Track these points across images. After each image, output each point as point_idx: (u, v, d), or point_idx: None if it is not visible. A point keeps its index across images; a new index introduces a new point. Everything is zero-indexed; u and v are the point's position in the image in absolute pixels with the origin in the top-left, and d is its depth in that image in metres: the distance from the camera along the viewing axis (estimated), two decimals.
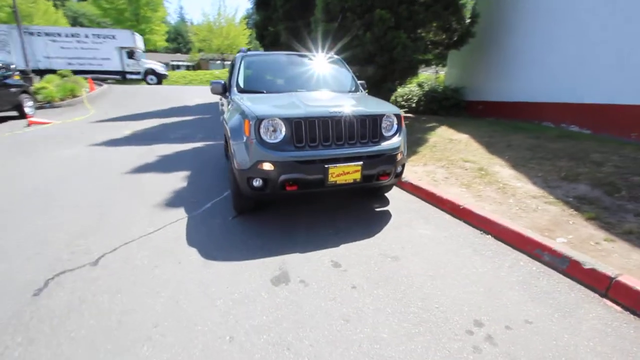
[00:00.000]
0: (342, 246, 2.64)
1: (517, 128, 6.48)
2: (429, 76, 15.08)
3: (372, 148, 2.82)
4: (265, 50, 14.99)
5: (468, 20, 7.46)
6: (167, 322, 1.82)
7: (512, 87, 7.73)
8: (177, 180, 4.39)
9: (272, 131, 2.65)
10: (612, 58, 5.31)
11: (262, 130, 2.63)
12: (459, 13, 7.37)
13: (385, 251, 2.57)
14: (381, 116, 2.87)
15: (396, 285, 2.14)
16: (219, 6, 36.53)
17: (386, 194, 3.75)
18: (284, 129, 2.64)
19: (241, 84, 3.54)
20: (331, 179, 2.67)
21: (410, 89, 10.74)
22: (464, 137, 5.85)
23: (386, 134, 2.93)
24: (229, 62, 43.73)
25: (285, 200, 3.54)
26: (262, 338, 1.70)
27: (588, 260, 2.13)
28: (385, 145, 2.88)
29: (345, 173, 2.70)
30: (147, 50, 30.00)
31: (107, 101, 13.87)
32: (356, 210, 3.35)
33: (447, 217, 3.20)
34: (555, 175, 3.85)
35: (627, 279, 1.93)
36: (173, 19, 60.61)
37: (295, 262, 2.40)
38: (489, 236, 2.78)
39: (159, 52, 41.97)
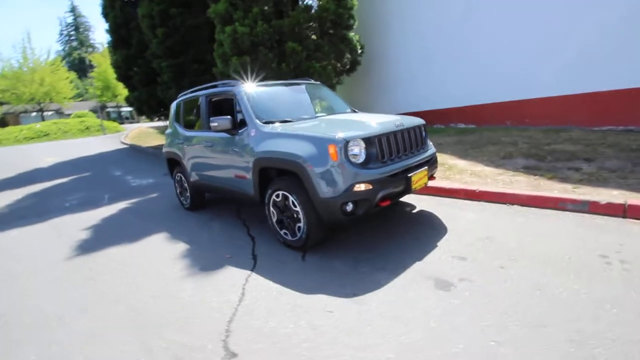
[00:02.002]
0: (450, 246, 2.83)
1: None
2: None
3: (426, 153, 3.16)
4: (132, 92, 13.25)
5: (360, 51, 8.77)
6: None
7: (398, 99, 9.46)
8: (183, 245, 3.57)
9: (355, 152, 2.64)
10: (476, 70, 7.35)
11: (349, 153, 2.59)
12: (351, 45, 8.59)
13: (479, 236, 2.87)
14: (422, 126, 3.25)
15: (522, 259, 2.50)
16: (24, 47, 29.64)
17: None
18: (363, 149, 2.67)
19: (262, 116, 3.27)
20: (413, 186, 2.85)
21: None
22: None
23: (426, 141, 3.33)
24: (53, 112, 35.60)
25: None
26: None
27: (600, 199, 3.05)
28: (430, 149, 3.27)
29: (419, 179, 2.93)
30: None
31: None
32: (397, 220, 3.56)
33: (468, 202, 3.81)
34: (496, 157, 5.08)
35: (633, 202, 2.88)
36: None
37: (421, 273, 2.46)
38: (515, 205, 3.50)
39: None
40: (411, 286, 2.26)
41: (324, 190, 2.59)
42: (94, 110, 34.95)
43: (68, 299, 2.65)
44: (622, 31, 4.89)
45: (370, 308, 2.08)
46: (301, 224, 2.83)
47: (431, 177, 3.27)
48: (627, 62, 4.88)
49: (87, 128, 27.19)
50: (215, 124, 3.29)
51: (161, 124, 24.43)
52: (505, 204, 3.58)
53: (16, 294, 2.84)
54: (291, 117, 3.47)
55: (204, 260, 3.08)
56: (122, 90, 34.75)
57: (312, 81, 4.22)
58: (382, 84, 9.86)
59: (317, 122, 3.26)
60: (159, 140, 15.67)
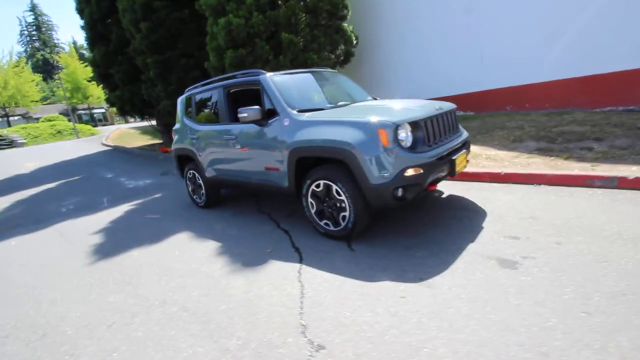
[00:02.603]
0: (490, 231, 2.85)
1: None
2: None
3: (462, 136, 3.17)
4: (113, 91, 12.64)
5: (355, 42, 8.71)
6: None
7: (393, 89, 9.49)
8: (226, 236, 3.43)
9: (402, 137, 2.60)
10: (474, 58, 7.45)
11: (399, 137, 2.55)
12: (346, 36, 8.52)
13: (522, 216, 2.90)
14: (454, 109, 3.25)
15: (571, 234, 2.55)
16: None
17: None
18: (410, 132, 2.64)
19: (293, 104, 3.17)
20: (457, 169, 2.85)
21: None
22: None
23: (458, 125, 3.33)
24: (19, 117, 33.69)
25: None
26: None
27: (628, 174, 3.16)
28: (464, 133, 3.28)
29: (461, 162, 2.94)
30: None
31: None
32: (430, 206, 3.56)
33: (494, 184, 3.86)
34: (506, 141, 5.18)
35: None
36: None
37: (472, 257, 2.47)
38: (542, 185, 3.58)
39: None
40: (475, 267, 2.26)
41: (375, 176, 2.54)
42: (64, 114, 33.20)
43: (109, 306, 2.48)
44: (620, 15, 5.08)
45: (443, 291, 2.06)
46: (346, 213, 2.77)
47: (466, 160, 3.28)
48: (626, 45, 5.09)
49: (58, 132, 25.85)
50: (245, 114, 3.16)
51: (141, 124, 23.52)
52: (532, 184, 3.66)
53: (46, 305, 2.64)
54: (320, 104, 3.39)
55: (244, 256, 2.97)
56: (94, 91, 33.25)
57: (330, 69, 4.14)
58: (377, 74, 9.85)
59: (353, 108, 3.18)
60: (142, 140, 15.11)
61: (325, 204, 2.94)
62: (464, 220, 3.02)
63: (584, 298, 1.81)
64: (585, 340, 1.54)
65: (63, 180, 8.31)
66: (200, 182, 4.45)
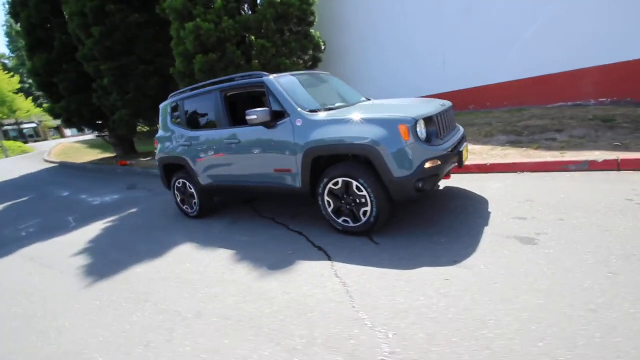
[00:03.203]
0: (495, 219, 3.10)
1: None
2: None
3: (461, 130, 3.42)
4: (57, 102, 11.53)
5: (323, 47, 8.89)
6: None
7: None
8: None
9: (420, 131, 2.76)
10: (437, 62, 8.02)
11: (418, 132, 2.70)
12: (314, 42, 8.67)
13: (519, 200, 3.19)
14: (452, 106, 3.51)
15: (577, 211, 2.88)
16: None
17: None
18: (424, 127, 2.81)
19: (304, 105, 3.19)
20: (463, 160, 3.08)
21: None
22: None
23: None
24: None
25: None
26: None
27: (596, 158, 3.65)
28: (461, 127, 3.54)
29: (465, 154, 3.18)
30: None
31: None
32: (432, 199, 3.77)
33: (482, 175, 4.20)
34: (479, 136, 5.65)
35: (624, 157, 3.51)
36: None
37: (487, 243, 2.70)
38: (525, 173, 3.98)
39: None
40: (500, 247, 2.46)
41: (398, 170, 2.66)
42: None
43: (134, 325, 2.30)
44: (566, 23, 5.85)
45: (481, 270, 2.22)
46: (368, 208, 2.85)
47: None
48: (571, 49, 5.85)
49: None
50: (254, 116, 3.12)
51: (85, 137, 21.52)
52: (515, 172, 4.05)
53: (55, 335, 2.36)
54: (325, 105, 3.44)
55: (266, 260, 2.91)
56: (23, 104, 29.78)
57: (323, 72, 4.22)
58: (344, 79, 10.10)
59: (364, 107, 3.27)
60: (92, 155, 13.91)
61: (343, 202, 3.00)
62: (469, 208, 3.26)
63: (604, 262, 2.07)
64: (620, 295, 1.78)
65: (10, 202, 7.37)
66: (193, 190, 4.25)
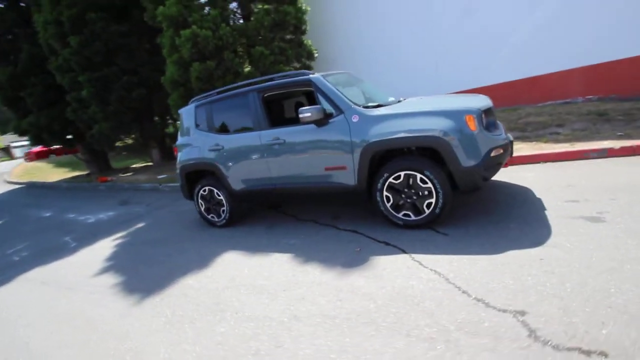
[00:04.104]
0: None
1: None
2: None
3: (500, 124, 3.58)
4: (24, 118, 10.60)
5: (316, 55, 8.97)
6: None
7: None
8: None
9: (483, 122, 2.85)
10: (430, 66, 8.37)
11: (482, 122, 2.79)
12: (307, 50, 8.73)
13: (560, 185, 3.37)
14: None
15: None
16: None
17: None
18: (485, 119, 2.91)
19: (357, 102, 3.18)
20: (513, 150, 3.22)
21: None
22: None
23: None
24: None
25: None
26: None
27: (613, 146, 3.97)
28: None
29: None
30: None
31: None
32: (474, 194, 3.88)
33: (509, 167, 4.34)
34: None
35: (638, 143, 3.85)
36: None
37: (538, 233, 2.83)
38: (548, 163, 4.22)
39: None
40: (572, 227, 2.57)
41: (467, 159, 2.71)
42: None
43: (225, 337, 2.11)
44: (553, 27, 6.39)
45: (566, 248, 2.30)
46: (432, 200, 2.88)
47: None
48: (558, 51, 6.39)
49: None
50: (308, 114, 3.06)
51: (47, 159, 19.80)
52: (538, 163, 4.29)
53: (130, 357, 2.11)
54: (372, 101, 3.46)
55: (334, 260, 2.81)
56: None
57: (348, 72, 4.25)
58: None
59: (416, 103, 3.30)
60: (59, 174, 12.86)
61: (404, 195, 3.00)
62: (517, 196, 3.39)
63: None
64: None
65: None
66: (221, 197, 4.05)
